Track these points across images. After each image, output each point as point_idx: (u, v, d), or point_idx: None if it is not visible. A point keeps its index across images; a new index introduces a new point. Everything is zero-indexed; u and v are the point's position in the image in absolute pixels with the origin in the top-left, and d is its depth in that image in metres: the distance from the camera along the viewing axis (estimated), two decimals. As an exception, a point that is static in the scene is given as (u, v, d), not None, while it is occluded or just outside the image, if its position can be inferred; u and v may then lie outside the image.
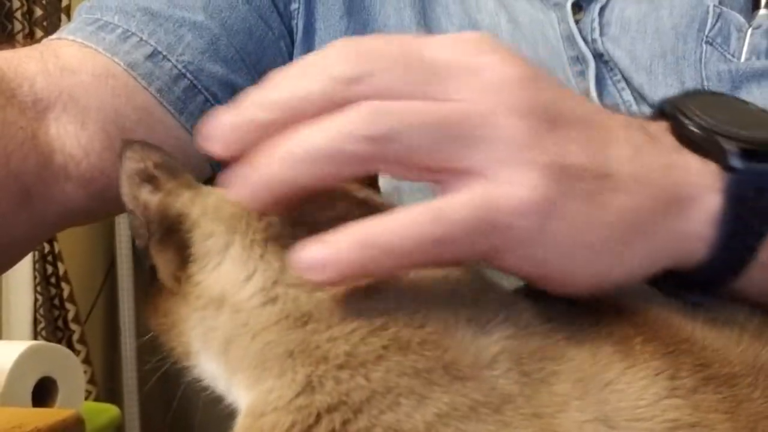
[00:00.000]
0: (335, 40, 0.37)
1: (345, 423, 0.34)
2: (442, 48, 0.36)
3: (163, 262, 0.41)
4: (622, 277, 0.37)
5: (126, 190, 0.42)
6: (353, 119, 0.33)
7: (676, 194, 0.38)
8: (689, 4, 0.65)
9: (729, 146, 0.38)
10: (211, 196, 0.42)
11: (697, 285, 0.39)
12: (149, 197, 0.41)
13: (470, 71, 0.35)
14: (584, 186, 0.35)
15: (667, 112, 0.42)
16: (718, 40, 0.63)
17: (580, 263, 0.36)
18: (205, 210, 0.41)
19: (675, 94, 0.44)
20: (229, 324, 0.38)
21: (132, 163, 0.42)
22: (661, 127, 0.41)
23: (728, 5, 0.64)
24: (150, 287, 0.43)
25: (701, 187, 0.38)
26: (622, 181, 0.36)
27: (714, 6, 0.64)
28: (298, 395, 0.35)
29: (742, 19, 0.64)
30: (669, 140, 0.40)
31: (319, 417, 0.34)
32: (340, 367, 0.34)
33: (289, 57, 0.71)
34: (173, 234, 0.41)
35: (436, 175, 0.34)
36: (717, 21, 0.64)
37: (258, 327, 0.37)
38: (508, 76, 0.35)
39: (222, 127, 0.36)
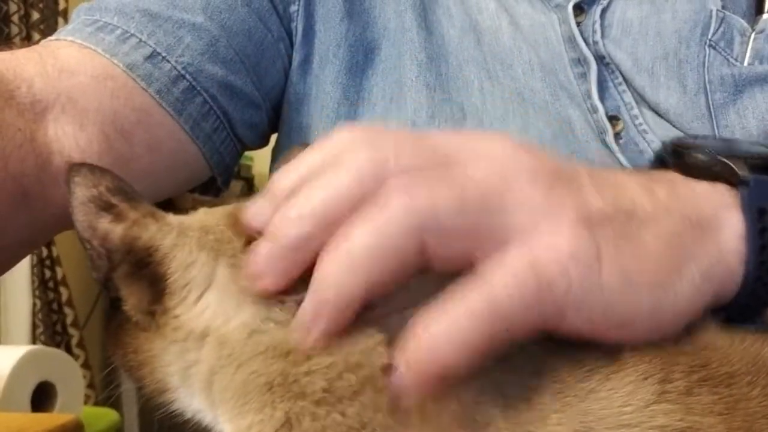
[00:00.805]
0: (338, 130, 0.37)
1: None
2: (446, 137, 0.37)
3: (133, 296, 0.39)
4: (680, 312, 0.37)
5: (80, 218, 0.39)
6: (392, 216, 0.33)
7: (701, 216, 0.38)
8: (692, 8, 0.65)
9: (735, 164, 0.39)
10: (183, 224, 0.41)
11: (739, 309, 0.40)
12: (110, 227, 0.39)
13: (478, 151, 0.36)
14: (616, 227, 0.36)
15: (666, 151, 0.43)
16: (722, 44, 0.63)
17: (638, 303, 0.35)
18: (180, 240, 0.39)
19: (665, 141, 0.45)
20: (212, 356, 0.37)
21: (84, 189, 0.40)
22: (662, 170, 0.42)
23: (731, 9, 0.64)
24: (111, 321, 0.41)
25: (720, 207, 0.39)
26: (647, 213, 0.37)
27: (717, 10, 0.64)
28: (276, 431, 0.35)
29: (745, 24, 0.64)
30: (675, 175, 0.41)
31: None
32: (317, 403, 0.34)
33: (288, 59, 0.70)
34: (144, 267, 0.39)
35: (476, 252, 0.34)
36: (720, 25, 0.64)
37: (243, 357, 0.37)
38: (511, 149, 0.36)
39: (266, 262, 0.36)
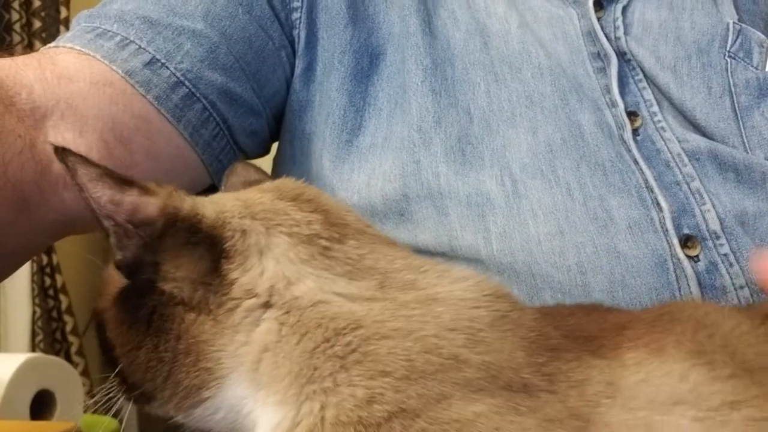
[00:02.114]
0: None
1: (405, 428, 0.34)
2: None
3: (182, 268, 0.37)
4: None
5: (97, 194, 0.37)
6: None
7: None
8: (709, 22, 0.66)
9: None
10: (213, 199, 0.40)
11: None
12: (141, 200, 0.37)
13: None
14: None
15: None
16: (740, 54, 0.64)
17: None
18: (223, 211, 0.38)
19: None
20: (272, 328, 0.36)
21: (89, 167, 0.38)
22: None
23: (748, 22, 0.65)
24: (136, 311, 0.38)
25: None
26: None
27: (734, 23, 0.65)
28: (358, 407, 0.35)
29: (762, 35, 0.65)
30: None
31: (379, 427, 0.34)
32: (400, 378, 0.35)
33: (290, 67, 0.70)
34: (196, 233, 0.37)
35: None
36: (738, 37, 0.65)
37: (306, 328, 0.36)
38: None
39: None
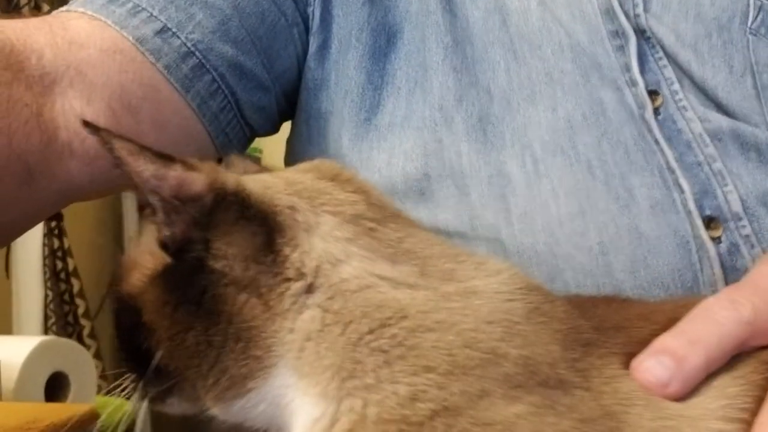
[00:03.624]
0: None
1: (448, 427, 0.33)
2: None
3: (235, 245, 0.36)
4: None
5: (140, 167, 0.35)
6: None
7: None
8: None
9: None
10: (256, 177, 0.39)
11: None
12: (186, 175, 0.36)
13: None
14: None
15: None
16: (762, 30, 0.62)
17: None
18: (268, 187, 0.37)
19: None
20: (314, 316, 0.35)
21: (125, 141, 0.36)
22: None
23: None
24: (185, 290, 0.36)
25: None
26: None
27: (754, 0, 0.64)
28: (401, 405, 0.33)
29: None
30: None
31: (422, 426, 0.33)
32: (443, 374, 0.34)
33: (302, 45, 0.69)
34: (247, 209, 0.36)
35: None
36: (759, 13, 0.63)
37: (352, 316, 0.35)
38: None
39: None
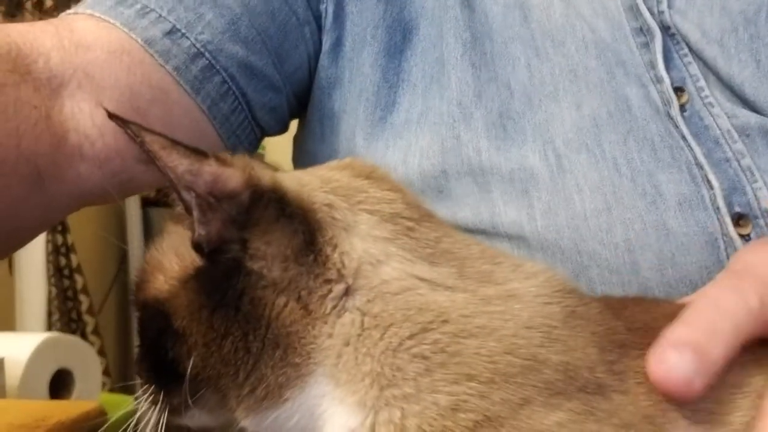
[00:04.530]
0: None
1: None
2: None
3: (274, 244, 0.34)
4: None
5: (173, 162, 0.34)
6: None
7: None
8: None
9: None
10: (292, 175, 0.37)
11: None
12: (221, 170, 0.34)
13: None
14: None
15: None
16: None
17: None
18: (305, 181, 0.36)
19: None
20: (353, 320, 0.34)
21: (155, 135, 0.34)
22: None
23: None
24: (221, 291, 0.34)
25: None
26: None
27: None
28: (441, 416, 0.32)
29: None
30: None
31: None
32: (485, 382, 0.33)
33: (313, 44, 0.68)
34: (286, 207, 0.34)
35: None
36: None
37: (393, 319, 0.33)
38: None
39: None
